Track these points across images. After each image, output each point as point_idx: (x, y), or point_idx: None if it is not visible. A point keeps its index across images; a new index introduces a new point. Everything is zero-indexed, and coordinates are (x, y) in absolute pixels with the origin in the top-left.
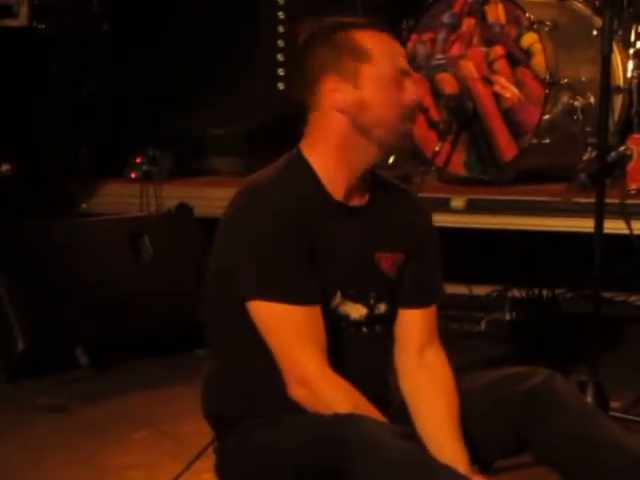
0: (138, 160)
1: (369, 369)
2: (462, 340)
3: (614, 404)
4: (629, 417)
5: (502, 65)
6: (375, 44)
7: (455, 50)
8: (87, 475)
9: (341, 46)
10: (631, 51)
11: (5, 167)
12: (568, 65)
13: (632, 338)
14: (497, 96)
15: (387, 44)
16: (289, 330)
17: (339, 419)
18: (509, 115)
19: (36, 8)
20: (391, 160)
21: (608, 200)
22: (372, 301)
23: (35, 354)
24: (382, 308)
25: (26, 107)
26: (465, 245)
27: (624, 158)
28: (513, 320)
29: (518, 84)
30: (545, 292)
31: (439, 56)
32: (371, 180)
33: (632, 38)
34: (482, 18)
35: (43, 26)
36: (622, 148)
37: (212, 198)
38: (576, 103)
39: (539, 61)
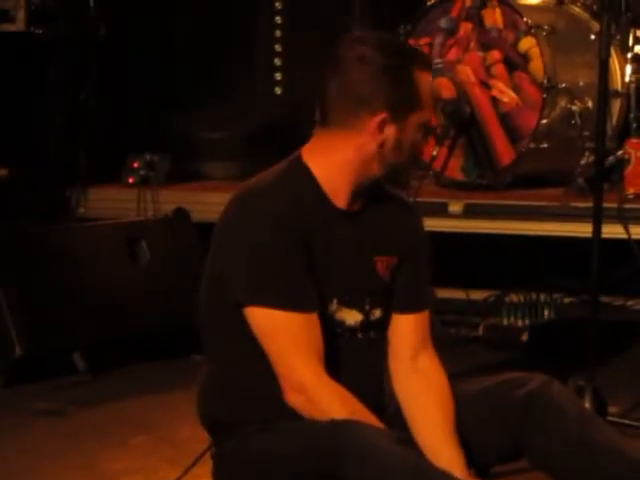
0: (135, 165)
1: (364, 375)
2: (459, 345)
3: (612, 409)
4: (627, 422)
5: (499, 69)
6: (427, 90)
7: (452, 55)
8: None
9: (402, 85)
10: (629, 55)
11: (1, 172)
12: (566, 69)
13: (630, 343)
14: (495, 100)
15: (432, 90)
16: (286, 336)
17: (335, 425)
18: (507, 119)
19: (33, 13)
20: None
21: (606, 205)
22: (367, 307)
23: (33, 359)
24: (377, 314)
25: (24, 111)
26: (463, 250)
27: (622, 162)
28: (510, 325)
29: (516, 88)
30: (543, 297)
31: (436, 61)
32: (367, 186)
33: (630, 42)
34: (479, 23)
35: (40, 31)
36: (620, 152)
37: (209, 203)
38: (574, 107)
39: (537, 65)
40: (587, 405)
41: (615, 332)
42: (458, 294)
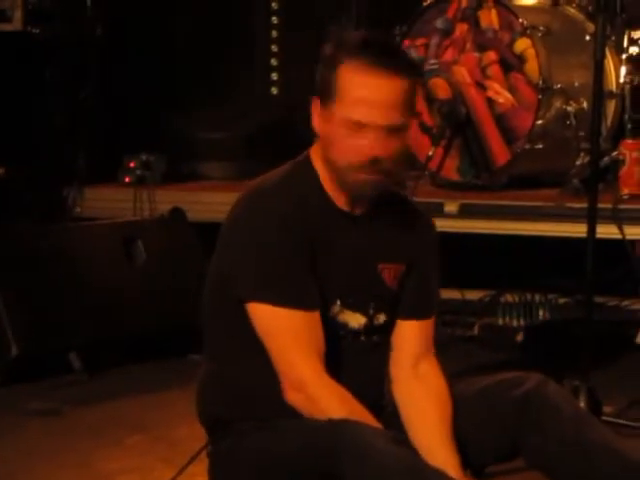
0: (132, 165)
1: (366, 377)
2: (455, 345)
3: (607, 409)
4: (622, 422)
5: (495, 70)
6: (352, 85)
7: (448, 55)
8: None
9: (328, 76)
10: (624, 56)
11: None
12: (561, 70)
13: (624, 343)
14: (490, 101)
15: (363, 89)
16: (288, 334)
17: (333, 424)
18: (502, 120)
19: (30, 12)
20: None
21: (601, 205)
22: (372, 311)
23: (29, 358)
24: (381, 318)
25: (21, 111)
26: (458, 250)
27: (617, 163)
28: (505, 325)
29: (511, 89)
30: (538, 297)
31: (432, 61)
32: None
33: (625, 43)
34: (475, 23)
35: (37, 30)
36: (615, 153)
37: (206, 203)
38: (569, 108)
39: (532, 66)
40: (582, 405)
41: (610, 332)
42: (453, 294)
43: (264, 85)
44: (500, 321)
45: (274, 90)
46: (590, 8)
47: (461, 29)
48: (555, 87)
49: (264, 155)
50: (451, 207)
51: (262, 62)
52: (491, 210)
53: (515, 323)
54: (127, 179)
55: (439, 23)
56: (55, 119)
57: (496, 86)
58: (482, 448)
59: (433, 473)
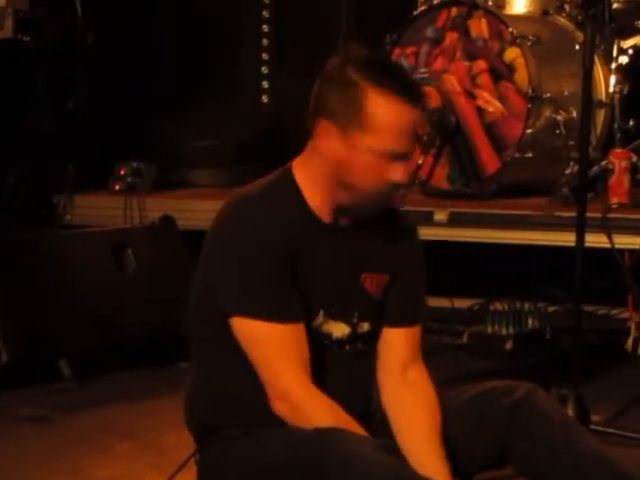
0: (122, 172)
1: (352, 386)
2: (443, 353)
3: (595, 417)
4: (610, 430)
5: (485, 79)
6: (386, 117)
7: (438, 64)
8: None
9: (352, 102)
10: (613, 66)
11: None
12: (551, 79)
13: (613, 352)
14: (480, 110)
15: (399, 119)
16: (271, 346)
17: (319, 433)
18: (492, 129)
19: (21, 20)
20: None
21: (590, 214)
22: (355, 320)
23: (19, 365)
24: (365, 327)
25: (11, 118)
26: (447, 258)
27: (606, 172)
28: (495, 333)
29: (501, 98)
30: (527, 305)
31: (422, 70)
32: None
33: (614, 53)
34: (465, 32)
35: (28, 38)
36: (604, 162)
37: (196, 210)
38: (558, 117)
39: (522, 75)
40: (570, 413)
41: (599, 341)
42: (443, 302)
43: (255, 93)
44: (489, 329)
45: (265, 98)
46: (580, 17)
47: (451, 38)
48: (545, 96)
49: (255, 163)
50: (441, 215)
51: (253, 70)
52: (481, 219)
53: (504, 331)
54: (117, 187)
55: (429, 32)
56: (45, 126)
57: (486, 95)
58: (471, 456)
59: None
